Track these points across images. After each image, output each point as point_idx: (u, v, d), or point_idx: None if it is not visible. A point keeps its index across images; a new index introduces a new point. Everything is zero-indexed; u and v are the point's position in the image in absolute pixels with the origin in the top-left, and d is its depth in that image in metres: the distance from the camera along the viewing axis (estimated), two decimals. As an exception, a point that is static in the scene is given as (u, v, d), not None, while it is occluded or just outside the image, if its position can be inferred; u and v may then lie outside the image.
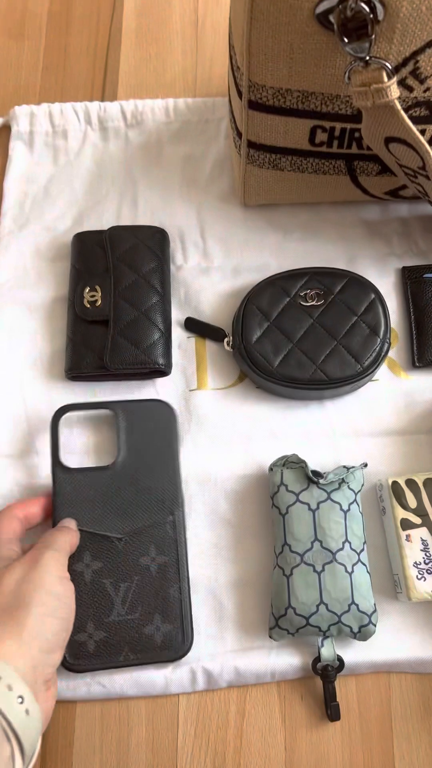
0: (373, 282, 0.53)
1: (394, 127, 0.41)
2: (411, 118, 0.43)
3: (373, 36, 0.38)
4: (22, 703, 0.32)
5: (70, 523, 0.44)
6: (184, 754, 0.45)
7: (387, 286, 0.54)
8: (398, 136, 0.42)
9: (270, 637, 0.44)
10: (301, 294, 0.50)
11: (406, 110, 0.43)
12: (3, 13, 0.65)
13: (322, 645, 0.44)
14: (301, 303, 0.50)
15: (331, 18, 0.37)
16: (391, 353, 0.52)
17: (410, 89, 0.42)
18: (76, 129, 0.59)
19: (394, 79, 0.39)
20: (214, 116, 0.59)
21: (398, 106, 0.39)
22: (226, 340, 0.51)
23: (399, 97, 0.42)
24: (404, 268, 0.54)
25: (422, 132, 0.45)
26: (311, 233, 0.55)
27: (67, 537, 0.42)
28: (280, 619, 0.43)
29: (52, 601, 0.37)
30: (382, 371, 0.52)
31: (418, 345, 0.52)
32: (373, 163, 0.49)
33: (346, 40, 0.38)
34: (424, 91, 0.42)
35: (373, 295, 0.50)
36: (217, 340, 0.52)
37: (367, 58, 0.38)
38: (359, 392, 0.51)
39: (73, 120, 0.59)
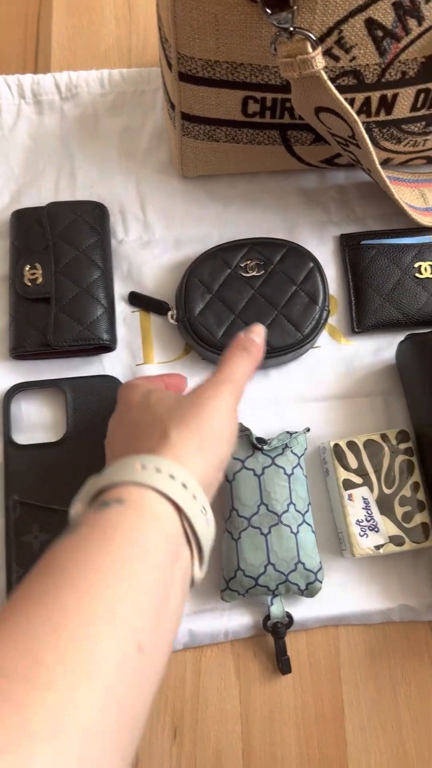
0: (312, 250, 0.54)
1: (322, 97, 0.42)
2: (339, 87, 0.44)
3: (295, 7, 0.38)
4: (205, 514, 0.31)
5: (256, 333, 0.41)
6: (144, 714, 0.46)
7: (326, 254, 0.55)
8: (327, 105, 0.43)
9: (222, 599, 0.46)
10: (242, 265, 0.51)
11: (333, 80, 0.44)
12: None
13: (272, 603, 0.46)
14: (242, 274, 0.51)
15: (254, -11, 0.38)
16: (332, 320, 0.54)
17: (336, 59, 0.42)
18: (9, 103, 0.58)
19: (319, 50, 0.39)
20: (150, 87, 0.58)
21: (324, 76, 0.40)
22: (170, 313, 0.52)
23: (326, 67, 0.42)
24: (342, 236, 0.55)
25: (351, 101, 0.45)
26: (251, 203, 0.56)
27: (248, 366, 0.39)
28: (230, 581, 0.45)
29: (228, 426, 0.35)
30: (324, 338, 0.53)
31: (356, 311, 0.53)
32: (306, 133, 0.50)
33: (269, 11, 0.38)
34: (350, 60, 0.42)
35: (311, 264, 0.51)
36: (161, 313, 0.52)
37: (291, 29, 0.39)
38: (302, 360, 0.53)
39: (5, 94, 0.58)
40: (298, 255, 0.51)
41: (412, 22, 0.40)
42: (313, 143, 0.51)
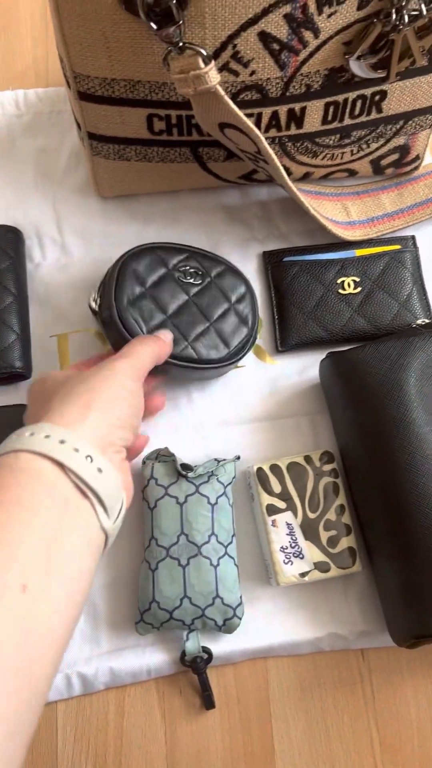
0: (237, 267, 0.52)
1: (222, 112, 0.41)
2: (243, 102, 0.43)
3: (181, 21, 0.37)
4: (92, 462, 0.32)
5: (164, 335, 0.45)
6: (65, 760, 0.44)
7: (250, 272, 0.53)
8: (229, 121, 0.41)
9: (137, 631, 0.44)
10: (181, 269, 0.49)
11: (236, 94, 0.42)
12: None
13: (187, 639, 0.44)
14: (180, 278, 0.48)
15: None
16: (257, 340, 0.52)
17: (236, 73, 0.41)
18: None
19: (212, 65, 0.38)
20: (67, 106, 0.57)
21: (221, 91, 0.39)
22: (92, 296, 0.48)
23: (225, 82, 0.41)
24: (265, 253, 0.53)
25: (258, 115, 0.44)
26: (172, 221, 0.55)
27: (149, 348, 0.41)
28: (144, 614, 0.43)
29: (122, 390, 0.36)
30: (248, 358, 0.52)
31: (280, 330, 0.52)
32: (218, 149, 0.49)
33: (155, 26, 0.37)
34: (251, 75, 0.41)
35: (244, 288, 0.49)
36: None
37: (181, 44, 0.37)
38: (227, 381, 0.51)
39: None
40: (235, 276, 0.50)
41: (308, 35, 0.39)
42: (226, 159, 0.50)
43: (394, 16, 0.38)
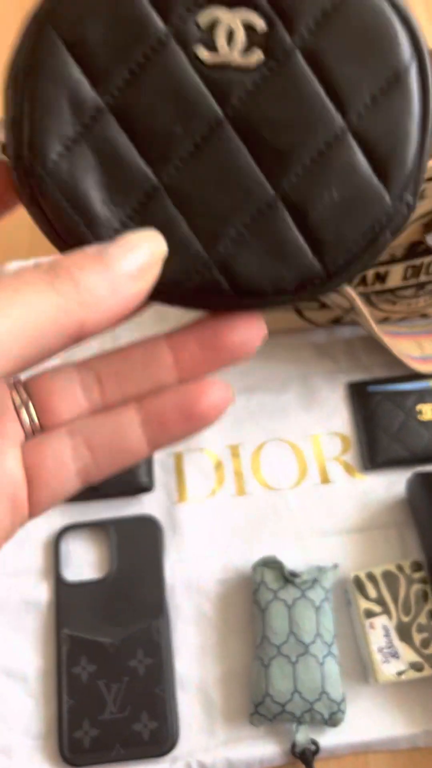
0: (324, 396, 0.61)
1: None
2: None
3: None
4: None
5: (122, 246, 0.20)
6: None
7: (337, 399, 0.62)
8: (329, 284, 0.51)
9: (251, 723, 0.49)
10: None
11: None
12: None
13: (297, 730, 0.49)
14: (198, 59, 0.22)
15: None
16: (346, 457, 0.60)
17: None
18: None
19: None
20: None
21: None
22: None
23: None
24: (351, 384, 0.62)
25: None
26: (267, 356, 0.64)
27: (97, 278, 0.19)
28: (258, 706, 0.49)
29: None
30: (340, 474, 0.59)
31: (368, 449, 0.59)
32: (314, 302, 0.59)
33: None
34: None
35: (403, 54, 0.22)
36: None
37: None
38: (321, 495, 0.58)
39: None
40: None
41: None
42: (320, 309, 0.59)
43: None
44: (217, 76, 0.20)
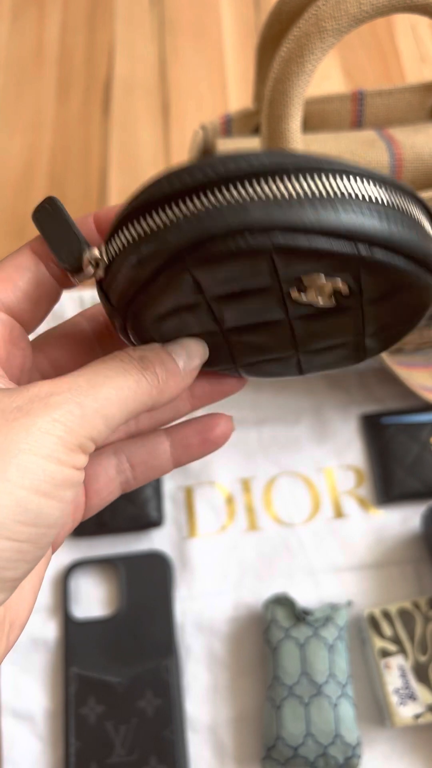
0: (336, 428, 0.60)
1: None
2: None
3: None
4: None
5: (181, 354, 0.26)
6: None
7: (350, 431, 0.61)
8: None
9: (262, 767, 0.48)
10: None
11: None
12: (6, 218, 0.77)
13: (312, 776, 0.47)
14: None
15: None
16: (360, 491, 0.59)
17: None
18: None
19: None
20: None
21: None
22: (86, 257, 0.24)
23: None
24: (365, 416, 0.61)
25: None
26: (279, 388, 0.64)
27: (131, 382, 0.24)
28: (270, 750, 0.47)
29: (22, 474, 0.21)
30: (354, 508, 0.58)
31: (382, 483, 0.58)
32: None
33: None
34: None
35: None
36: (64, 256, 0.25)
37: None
38: (335, 529, 0.57)
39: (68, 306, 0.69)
40: None
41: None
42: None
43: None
44: (297, 303, 0.25)
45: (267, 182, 0.21)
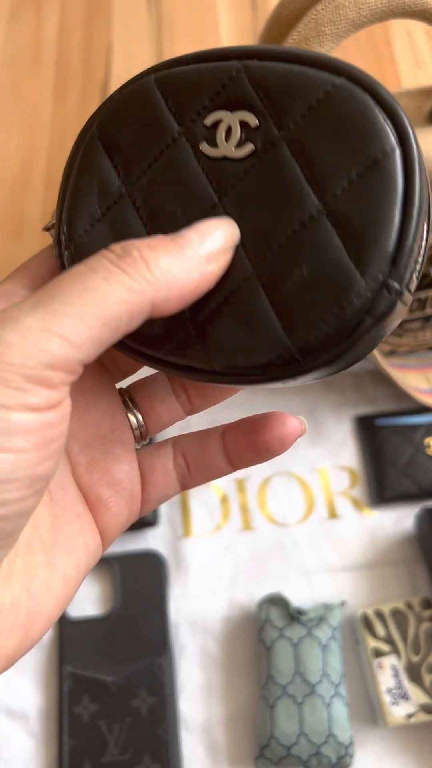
0: (331, 429, 0.61)
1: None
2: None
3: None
4: None
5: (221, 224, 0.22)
6: None
7: (344, 432, 0.61)
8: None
9: (255, 766, 0.48)
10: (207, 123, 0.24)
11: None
12: (3, 218, 0.77)
13: (305, 776, 0.48)
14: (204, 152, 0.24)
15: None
16: (354, 492, 0.59)
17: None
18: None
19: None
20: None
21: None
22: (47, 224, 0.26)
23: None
24: (359, 418, 0.62)
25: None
26: (272, 389, 0.64)
27: (126, 285, 0.19)
28: (264, 749, 0.47)
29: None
30: (347, 508, 0.58)
31: (376, 484, 0.58)
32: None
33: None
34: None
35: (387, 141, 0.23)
36: None
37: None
38: (329, 530, 0.57)
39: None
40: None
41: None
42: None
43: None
44: (216, 167, 0.23)
45: None
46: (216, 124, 0.23)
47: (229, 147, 0.23)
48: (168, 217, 0.24)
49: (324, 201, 0.22)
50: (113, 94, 0.25)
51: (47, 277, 0.25)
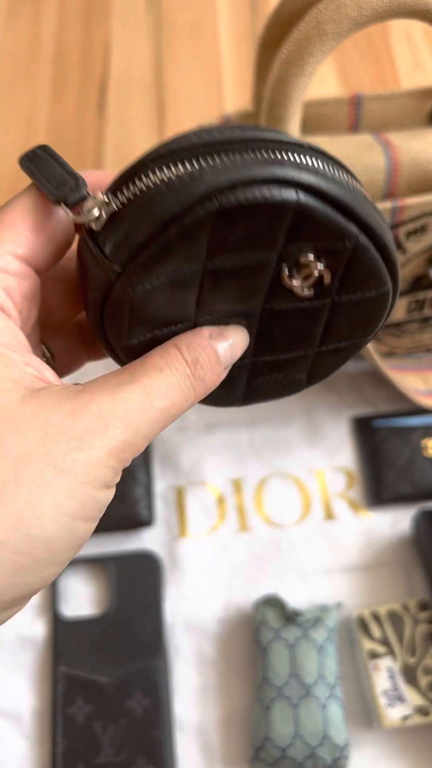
0: (329, 430, 0.60)
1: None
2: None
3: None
4: None
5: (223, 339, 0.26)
6: None
7: (342, 433, 0.61)
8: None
9: (251, 769, 0.48)
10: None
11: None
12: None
13: (300, 777, 0.47)
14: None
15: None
16: (351, 493, 0.59)
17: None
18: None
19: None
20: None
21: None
22: (90, 201, 0.23)
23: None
24: (357, 419, 0.61)
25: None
26: (273, 390, 0.64)
27: (185, 384, 0.23)
28: (259, 751, 0.47)
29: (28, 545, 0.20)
30: (344, 510, 0.58)
31: (373, 485, 0.58)
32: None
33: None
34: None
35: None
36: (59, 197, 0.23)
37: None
38: (326, 531, 0.57)
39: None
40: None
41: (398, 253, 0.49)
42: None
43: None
44: (279, 287, 0.26)
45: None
46: (305, 266, 0.25)
47: (300, 284, 0.26)
48: (216, 306, 0.26)
49: (318, 348, 0.29)
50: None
51: (47, 236, 0.24)
